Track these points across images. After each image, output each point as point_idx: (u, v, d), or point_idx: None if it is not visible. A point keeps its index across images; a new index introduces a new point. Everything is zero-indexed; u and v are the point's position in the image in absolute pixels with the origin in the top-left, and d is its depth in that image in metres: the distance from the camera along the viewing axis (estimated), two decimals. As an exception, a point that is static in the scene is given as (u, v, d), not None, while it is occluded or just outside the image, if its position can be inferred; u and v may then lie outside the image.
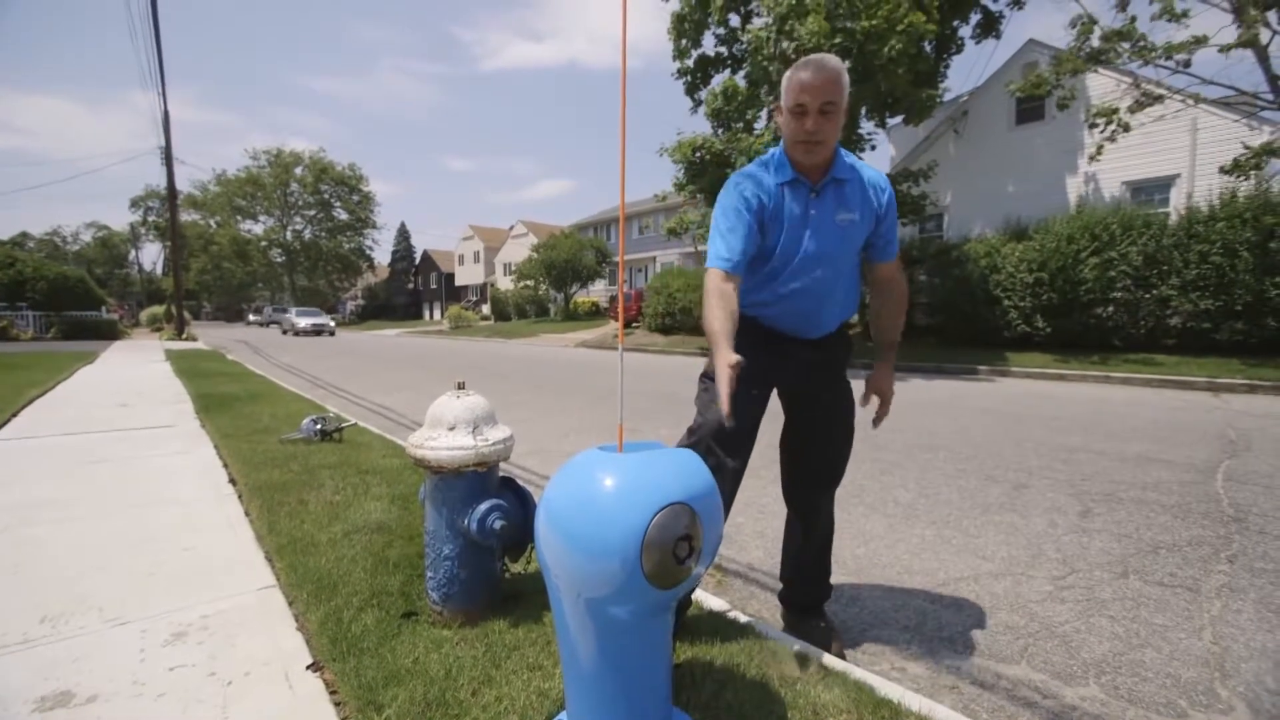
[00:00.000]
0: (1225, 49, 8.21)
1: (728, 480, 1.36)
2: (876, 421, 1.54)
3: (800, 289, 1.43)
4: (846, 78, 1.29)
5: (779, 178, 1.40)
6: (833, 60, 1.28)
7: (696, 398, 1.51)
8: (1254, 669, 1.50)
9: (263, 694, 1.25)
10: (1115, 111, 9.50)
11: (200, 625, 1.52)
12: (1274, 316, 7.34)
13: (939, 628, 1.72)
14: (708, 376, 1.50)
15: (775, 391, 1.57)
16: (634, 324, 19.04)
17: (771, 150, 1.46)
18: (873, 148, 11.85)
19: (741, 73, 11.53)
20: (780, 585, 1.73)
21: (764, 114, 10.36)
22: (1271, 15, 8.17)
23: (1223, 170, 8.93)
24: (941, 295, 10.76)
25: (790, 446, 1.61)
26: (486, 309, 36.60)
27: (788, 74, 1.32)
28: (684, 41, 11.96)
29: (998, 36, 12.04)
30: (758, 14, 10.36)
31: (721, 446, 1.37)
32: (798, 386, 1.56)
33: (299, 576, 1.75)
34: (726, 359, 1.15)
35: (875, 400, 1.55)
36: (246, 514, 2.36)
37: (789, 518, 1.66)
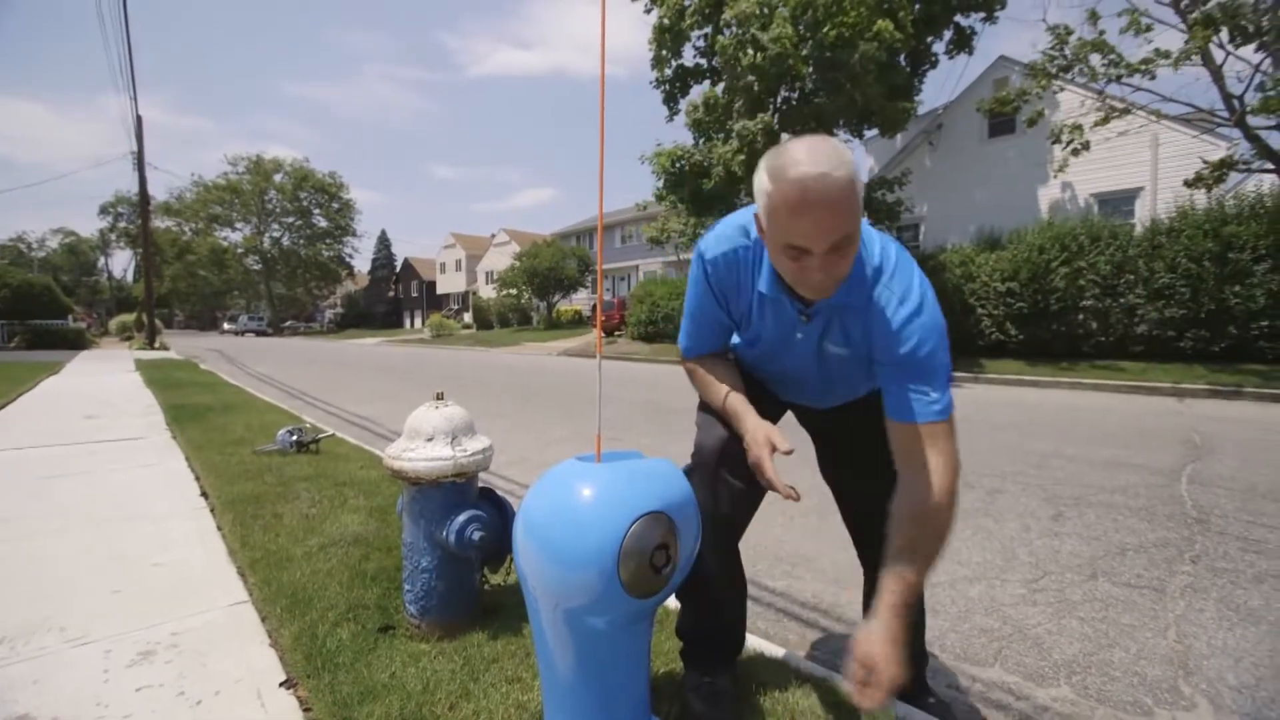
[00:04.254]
0: (1174, 63, 8.56)
1: (739, 503, 1.16)
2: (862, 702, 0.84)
3: (786, 375, 1.23)
4: (858, 188, 0.86)
5: (758, 283, 1.06)
6: (836, 177, 0.83)
7: (697, 418, 1.28)
8: (1215, 666, 1.55)
9: (234, 713, 1.22)
10: (1079, 128, 9.84)
11: (169, 644, 1.48)
12: (1235, 324, 7.62)
13: (916, 632, 1.75)
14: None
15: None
16: (617, 332, 19.06)
17: (754, 231, 1.04)
18: (848, 156, 12.10)
19: (721, 84, 11.71)
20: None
21: (737, 126, 10.48)
22: (1224, 36, 8.55)
23: (1186, 184, 9.28)
24: (918, 304, 10.97)
25: (831, 479, 1.38)
26: (468, 317, 36.34)
27: (769, 189, 0.88)
28: (664, 52, 12.11)
29: (970, 52, 12.41)
30: (728, 25, 10.55)
31: (728, 468, 1.15)
32: (814, 420, 1.36)
33: (273, 591, 1.71)
34: (754, 435, 1.03)
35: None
36: (219, 528, 2.31)
37: (866, 579, 1.35)
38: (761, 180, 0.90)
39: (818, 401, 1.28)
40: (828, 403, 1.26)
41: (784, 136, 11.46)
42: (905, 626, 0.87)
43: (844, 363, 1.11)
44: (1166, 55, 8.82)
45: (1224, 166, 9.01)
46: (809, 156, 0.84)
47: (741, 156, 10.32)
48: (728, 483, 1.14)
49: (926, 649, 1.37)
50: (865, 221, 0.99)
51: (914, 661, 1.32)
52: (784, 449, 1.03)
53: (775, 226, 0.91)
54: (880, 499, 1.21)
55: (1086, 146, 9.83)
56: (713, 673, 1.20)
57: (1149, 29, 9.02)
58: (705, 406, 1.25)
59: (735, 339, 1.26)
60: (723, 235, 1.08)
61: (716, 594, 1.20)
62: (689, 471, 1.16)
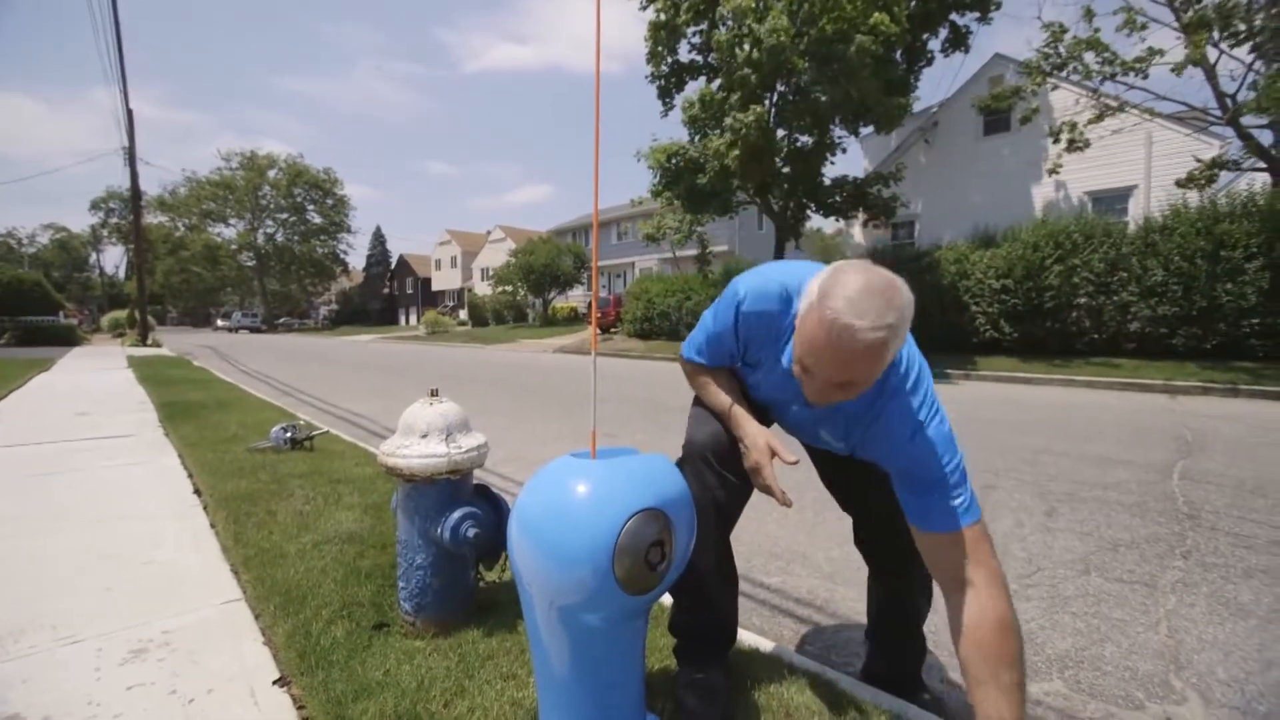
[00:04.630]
0: (1176, 69, 8.62)
1: (730, 495, 1.16)
2: None
3: (785, 420, 1.24)
4: (890, 346, 0.85)
5: (781, 354, 1.07)
6: (865, 337, 0.82)
7: (691, 412, 1.30)
8: (1206, 660, 1.56)
9: (226, 711, 1.22)
10: (1075, 126, 9.88)
11: (161, 642, 1.47)
12: (1226, 322, 7.67)
13: (910, 628, 1.75)
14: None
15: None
16: (613, 329, 19.04)
17: (795, 303, 1.01)
18: (844, 151, 12.15)
19: (717, 82, 11.71)
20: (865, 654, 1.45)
21: (728, 119, 10.42)
22: (1216, 35, 8.60)
23: (1179, 184, 9.34)
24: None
25: (829, 486, 1.35)
26: (464, 314, 36.23)
27: (813, 302, 0.88)
28: (660, 48, 12.09)
29: (965, 50, 12.43)
30: (724, 20, 10.53)
31: (720, 462, 1.15)
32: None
33: (266, 589, 1.71)
34: (754, 440, 1.04)
35: None
36: (212, 525, 2.30)
37: (870, 575, 1.39)
38: (811, 290, 0.90)
39: (809, 443, 1.29)
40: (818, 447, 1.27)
41: (779, 133, 11.46)
42: None
43: (833, 447, 1.14)
44: (1161, 53, 8.87)
45: (1215, 167, 9.08)
46: (852, 303, 0.82)
47: (735, 151, 10.30)
48: (719, 474, 1.15)
49: (925, 644, 1.37)
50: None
51: (913, 658, 1.34)
52: (789, 460, 1.04)
53: (798, 339, 0.92)
54: (881, 502, 1.19)
55: (1087, 144, 9.87)
56: (706, 668, 1.21)
57: (1144, 27, 9.06)
58: (699, 401, 1.25)
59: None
60: (765, 294, 1.06)
61: (709, 588, 1.20)
62: (680, 463, 1.17)
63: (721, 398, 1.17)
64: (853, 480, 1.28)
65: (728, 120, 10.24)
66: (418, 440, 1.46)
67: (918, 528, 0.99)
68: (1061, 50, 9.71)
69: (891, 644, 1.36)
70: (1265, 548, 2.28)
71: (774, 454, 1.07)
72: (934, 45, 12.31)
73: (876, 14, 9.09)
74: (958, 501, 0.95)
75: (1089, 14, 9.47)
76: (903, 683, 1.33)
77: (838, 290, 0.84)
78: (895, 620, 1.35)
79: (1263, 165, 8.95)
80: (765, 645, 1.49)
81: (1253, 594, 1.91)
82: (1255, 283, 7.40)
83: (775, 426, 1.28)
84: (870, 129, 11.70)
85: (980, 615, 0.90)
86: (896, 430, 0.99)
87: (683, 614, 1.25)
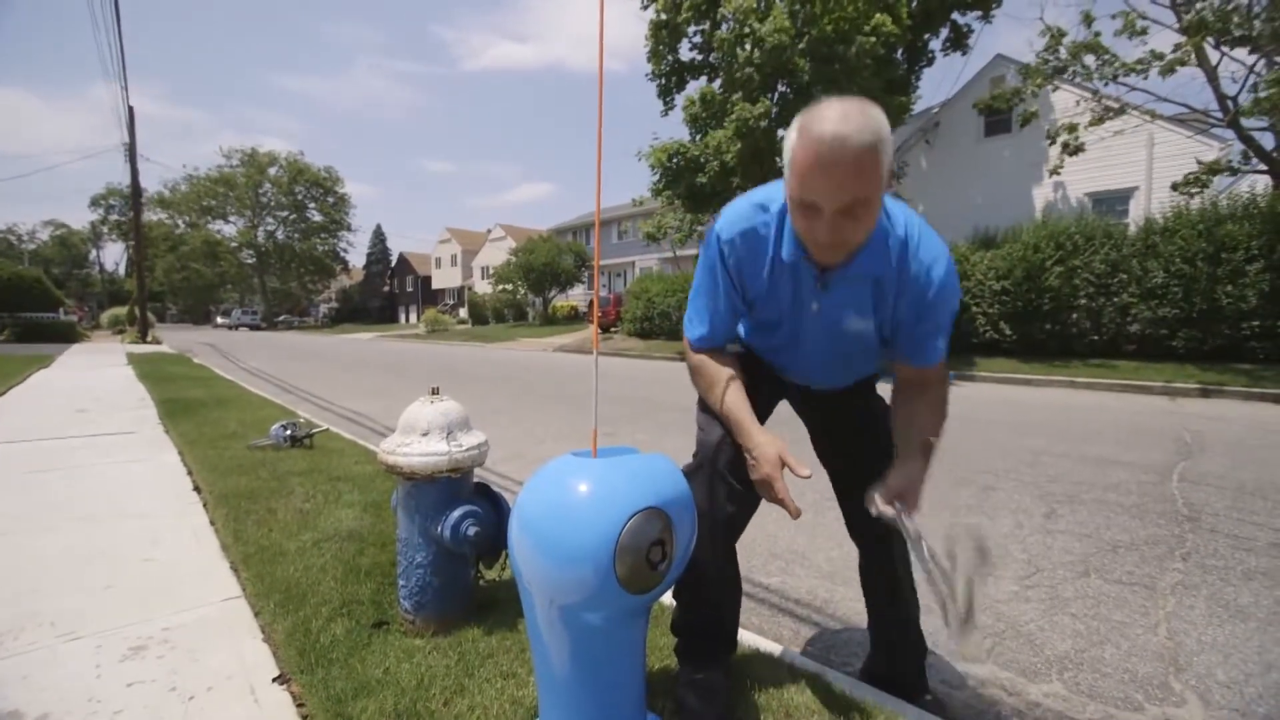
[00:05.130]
0: (1163, 70, 8.63)
1: (739, 503, 1.15)
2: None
3: (798, 357, 1.22)
4: (881, 156, 0.86)
5: (780, 252, 1.05)
6: (856, 141, 0.83)
7: (697, 417, 1.27)
8: (1205, 662, 1.56)
9: (226, 708, 1.22)
10: (1075, 128, 9.87)
11: (161, 639, 1.47)
12: (1226, 324, 7.67)
13: (909, 628, 1.75)
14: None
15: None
16: (613, 328, 19.03)
17: (779, 198, 1.04)
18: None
19: (718, 81, 11.70)
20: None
21: (736, 109, 10.41)
22: (1213, 39, 8.60)
23: (1174, 187, 9.33)
24: (914, 301, 11.00)
25: (827, 464, 1.34)
26: (464, 313, 36.22)
27: (794, 141, 0.90)
28: (661, 47, 12.09)
29: (965, 51, 12.44)
30: (726, 20, 10.54)
31: (730, 468, 1.14)
32: (814, 410, 1.36)
33: (266, 586, 1.71)
34: (763, 452, 1.02)
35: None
36: (212, 523, 2.30)
37: (861, 567, 1.36)
38: (790, 133, 0.92)
39: (828, 382, 1.28)
40: (840, 382, 1.27)
41: (779, 133, 11.46)
42: (920, 472, 1.01)
43: (860, 337, 1.12)
44: (1161, 57, 8.87)
45: (1211, 171, 9.08)
46: (834, 117, 0.85)
47: (737, 145, 10.27)
48: (729, 483, 1.13)
49: (926, 644, 1.37)
50: (887, 196, 0.99)
51: (912, 656, 1.34)
52: (802, 473, 1.02)
53: (793, 179, 0.92)
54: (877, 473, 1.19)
55: (1082, 148, 9.87)
56: (707, 668, 1.21)
57: (1144, 32, 9.06)
58: (706, 405, 1.23)
59: (741, 330, 1.26)
60: (740, 214, 1.08)
61: (713, 592, 1.20)
62: (690, 471, 1.16)
63: (722, 395, 1.15)
64: (857, 458, 1.25)
65: (734, 110, 10.20)
66: (418, 438, 1.46)
67: (910, 362, 1.10)
68: (1062, 52, 9.71)
69: (892, 644, 1.36)
70: (1265, 550, 2.28)
71: (784, 465, 1.05)
72: (935, 45, 12.32)
73: (878, 15, 9.10)
74: (942, 345, 1.09)
75: (1088, 18, 9.47)
76: (903, 683, 1.33)
77: (816, 117, 0.87)
78: (895, 620, 1.35)
79: (1264, 168, 8.95)
80: (766, 645, 1.49)
81: (1252, 596, 1.92)
82: (1256, 285, 7.39)
83: (782, 430, 1.27)
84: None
85: (932, 402, 1.09)
86: (920, 288, 1.03)
87: (685, 614, 1.25)
